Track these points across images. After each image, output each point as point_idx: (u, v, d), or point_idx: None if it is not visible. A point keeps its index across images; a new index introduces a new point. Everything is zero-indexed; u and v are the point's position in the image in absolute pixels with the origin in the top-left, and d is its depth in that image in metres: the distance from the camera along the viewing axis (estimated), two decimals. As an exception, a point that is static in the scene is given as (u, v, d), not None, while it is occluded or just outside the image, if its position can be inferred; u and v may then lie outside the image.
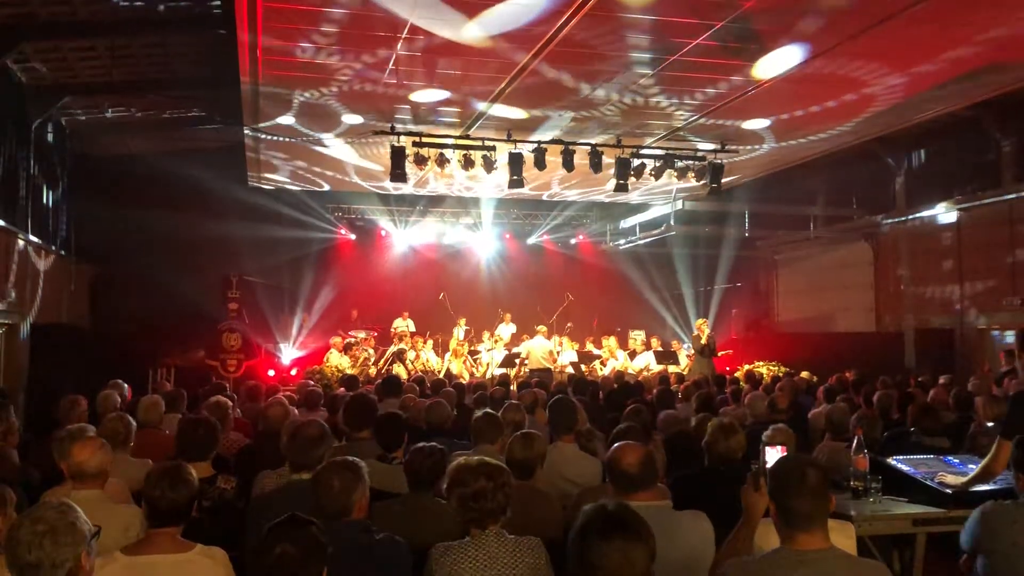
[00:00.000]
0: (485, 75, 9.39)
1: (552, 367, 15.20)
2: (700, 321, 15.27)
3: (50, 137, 13.02)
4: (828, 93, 10.20)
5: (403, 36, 8.04)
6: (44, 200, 13.09)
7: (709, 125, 11.41)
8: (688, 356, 15.98)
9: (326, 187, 16.37)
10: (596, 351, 16.56)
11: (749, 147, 12.73)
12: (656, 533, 3.29)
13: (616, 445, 3.53)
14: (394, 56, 8.63)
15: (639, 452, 3.43)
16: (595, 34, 8.17)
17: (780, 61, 8.94)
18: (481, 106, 10.51)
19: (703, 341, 14.42)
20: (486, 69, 9.18)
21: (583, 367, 15.38)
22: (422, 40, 8.22)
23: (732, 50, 8.52)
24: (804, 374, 12.77)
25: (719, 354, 14.68)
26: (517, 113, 10.83)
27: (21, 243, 11.61)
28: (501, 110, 10.66)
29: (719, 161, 12.51)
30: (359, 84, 9.65)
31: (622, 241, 18.78)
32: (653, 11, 7.64)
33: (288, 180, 15.64)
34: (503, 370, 14.53)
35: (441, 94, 10.08)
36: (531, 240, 19.64)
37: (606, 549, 2.25)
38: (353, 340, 15.92)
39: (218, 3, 9.61)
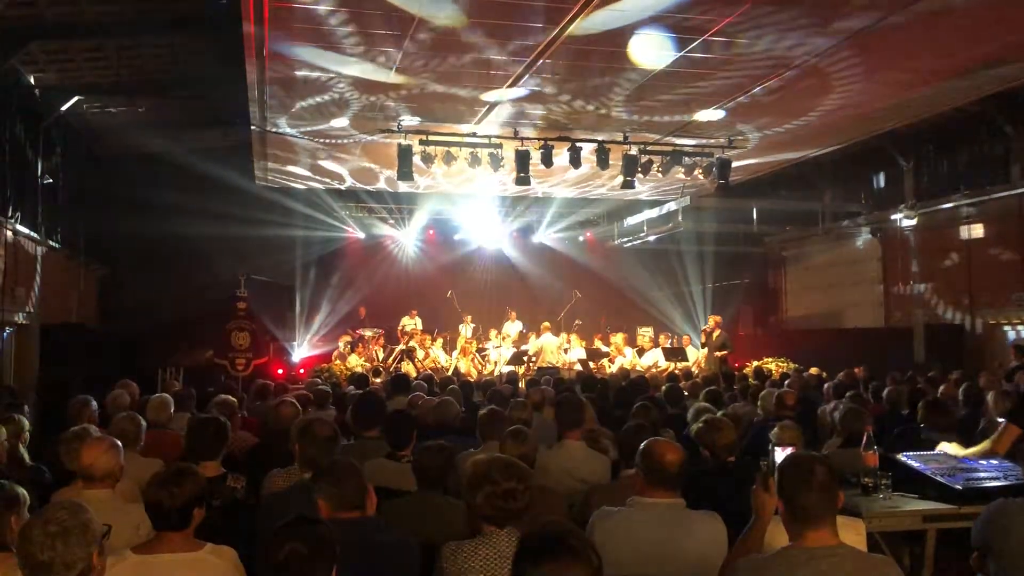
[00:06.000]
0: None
1: (560, 365, 15.20)
2: (713, 317, 15.25)
3: (58, 138, 13.07)
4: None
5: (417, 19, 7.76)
6: (53, 200, 13.14)
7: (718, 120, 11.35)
8: (700, 353, 15.89)
9: (334, 184, 16.37)
10: (604, 348, 16.53)
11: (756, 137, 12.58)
12: (669, 530, 3.32)
13: (653, 441, 3.51)
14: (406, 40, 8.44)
15: (679, 451, 3.43)
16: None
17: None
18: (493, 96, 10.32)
19: (714, 338, 14.39)
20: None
21: (591, 364, 15.36)
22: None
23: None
24: (813, 370, 12.69)
25: (724, 352, 14.58)
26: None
27: (30, 243, 11.65)
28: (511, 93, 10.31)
29: (727, 157, 12.46)
30: (367, 76, 9.62)
31: (630, 238, 18.74)
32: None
33: (295, 178, 15.65)
34: (511, 368, 14.53)
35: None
36: (538, 238, 19.62)
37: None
38: (360, 338, 15.98)
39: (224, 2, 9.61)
